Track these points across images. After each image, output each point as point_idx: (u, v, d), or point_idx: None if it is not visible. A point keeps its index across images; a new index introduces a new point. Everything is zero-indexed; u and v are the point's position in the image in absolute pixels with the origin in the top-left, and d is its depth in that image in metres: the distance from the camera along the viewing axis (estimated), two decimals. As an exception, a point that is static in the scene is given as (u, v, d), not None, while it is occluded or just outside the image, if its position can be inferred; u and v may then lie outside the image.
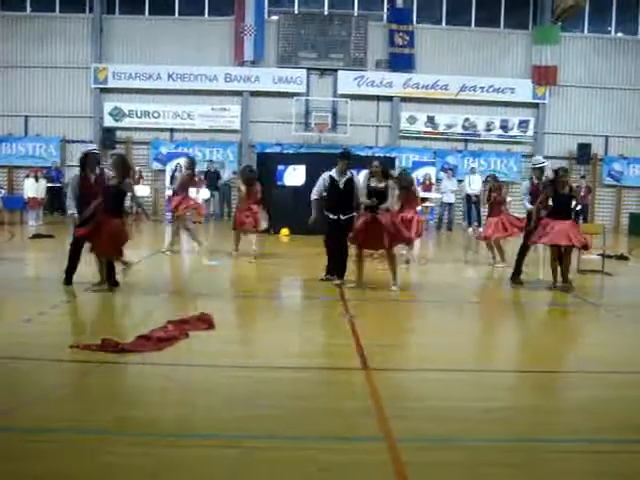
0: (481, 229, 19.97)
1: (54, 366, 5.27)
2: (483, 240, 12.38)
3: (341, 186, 9.43)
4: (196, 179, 20.56)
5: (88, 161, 8.69)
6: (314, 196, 9.70)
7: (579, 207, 11.25)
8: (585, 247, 9.39)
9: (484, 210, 17.57)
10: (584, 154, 23.42)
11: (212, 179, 20.42)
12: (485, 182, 12.65)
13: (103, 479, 3.36)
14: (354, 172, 9.78)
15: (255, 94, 23.34)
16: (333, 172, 9.53)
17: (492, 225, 11.83)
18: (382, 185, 8.92)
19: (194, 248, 12.79)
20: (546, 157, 23.64)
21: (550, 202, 9.39)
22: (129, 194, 8.73)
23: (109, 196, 8.36)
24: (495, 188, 12.01)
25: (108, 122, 23.21)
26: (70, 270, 8.65)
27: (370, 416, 4.26)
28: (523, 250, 10.00)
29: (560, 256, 9.36)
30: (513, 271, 10.04)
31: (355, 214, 9.35)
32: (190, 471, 3.44)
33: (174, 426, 4.06)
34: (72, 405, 4.40)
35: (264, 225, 12.98)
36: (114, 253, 8.40)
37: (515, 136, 23.72)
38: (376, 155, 21.21)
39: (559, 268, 9.38)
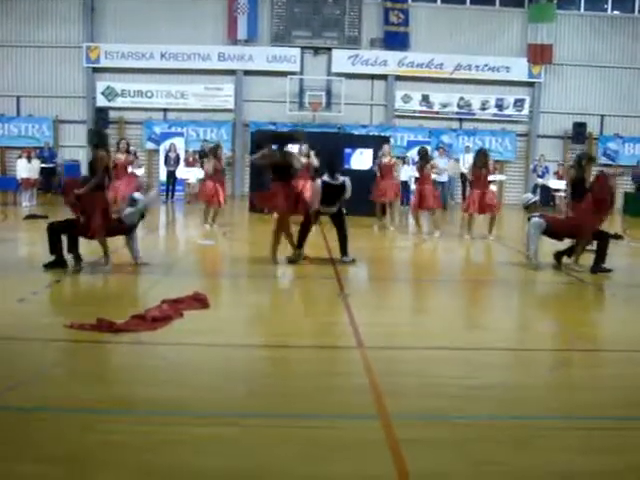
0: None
1: (49, 345, 5.27)
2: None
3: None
4: (190, 159, 20.62)
5: None
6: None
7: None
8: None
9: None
10: (579, 133, 23.39)
11: (206, 159, 20.31)
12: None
13: (99, 457, 3.37)
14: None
15: (249, 73, 23.17)
16: None
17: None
18: None
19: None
20: (542, 136, 23.83)
21: None
22: None
23: None
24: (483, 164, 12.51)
25: (101, 102, 23.03)
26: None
27: (365, 393, 4.28)
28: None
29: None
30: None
31: None
32: (188, 449, 3.44)
33: (171, 404, 4.07)
34: (68, 384, 4.40)
35: None
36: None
37: (510, 115, 23.65)
38: (371, 134, 21.17)
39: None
